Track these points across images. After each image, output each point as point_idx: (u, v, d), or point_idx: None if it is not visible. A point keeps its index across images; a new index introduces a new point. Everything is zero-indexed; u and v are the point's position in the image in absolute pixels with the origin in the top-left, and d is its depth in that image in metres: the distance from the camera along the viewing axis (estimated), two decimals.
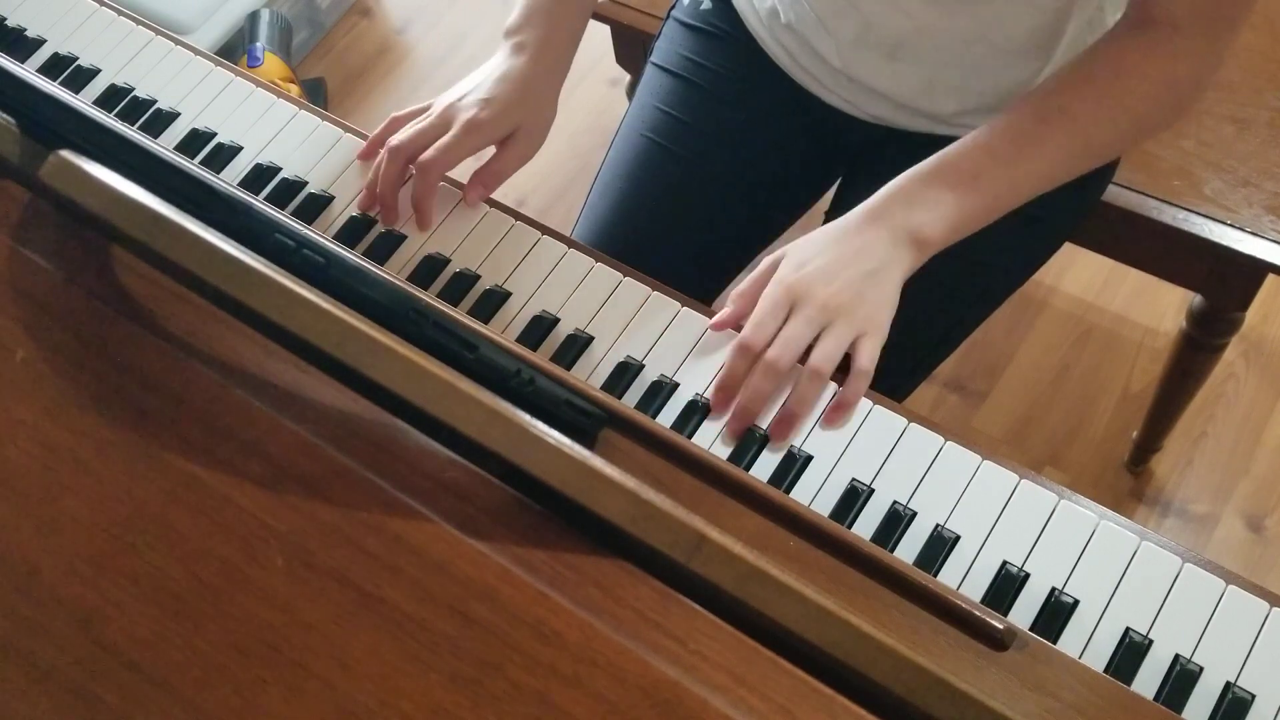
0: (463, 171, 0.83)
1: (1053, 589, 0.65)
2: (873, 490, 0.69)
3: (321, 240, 0.63)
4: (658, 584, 0.49)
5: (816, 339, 0.73)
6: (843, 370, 0.73)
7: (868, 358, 0.73)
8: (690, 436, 0.71)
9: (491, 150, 0.86)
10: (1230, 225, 1.04)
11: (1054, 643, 0.62)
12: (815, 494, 0.69)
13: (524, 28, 0.87)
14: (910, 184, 0.77)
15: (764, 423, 0.72)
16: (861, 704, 0.46)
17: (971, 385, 1.58)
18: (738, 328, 0.75)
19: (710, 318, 0.76)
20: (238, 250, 0.52)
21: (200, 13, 1.75)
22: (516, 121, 0.85)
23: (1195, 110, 1.10)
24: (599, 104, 1.90)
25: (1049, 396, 1.56)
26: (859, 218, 0.77)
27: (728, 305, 0.76)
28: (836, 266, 0.74)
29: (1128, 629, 0.63)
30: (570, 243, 0.81)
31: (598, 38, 1.22)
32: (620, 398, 0.73)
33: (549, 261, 0.80)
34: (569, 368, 0.75)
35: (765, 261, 0.77)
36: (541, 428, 0.50)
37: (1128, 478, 1.49)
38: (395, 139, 0.82)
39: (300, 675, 0.46)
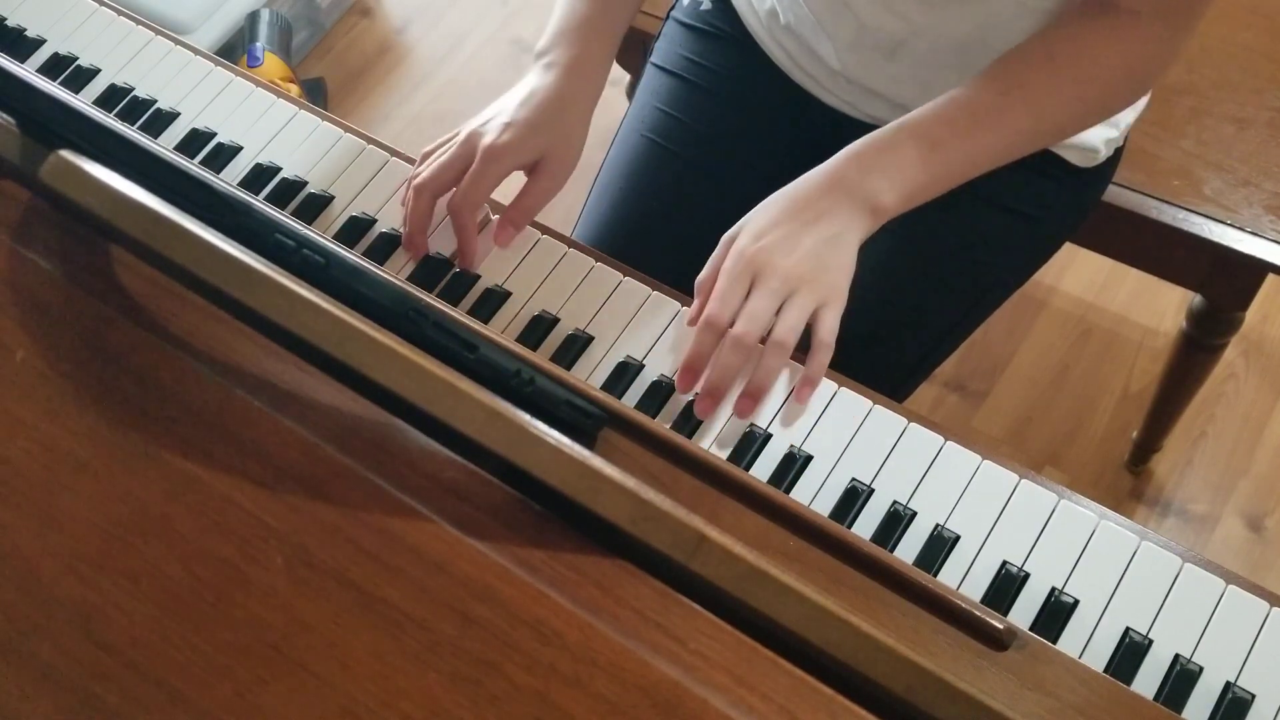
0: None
1: (1053, 589, 0.65)
2: (873, 490, 0.69)
3: (321, 240, 0.63)
4: (658, 584, 0.49)
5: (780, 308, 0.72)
6: (802, 348, 0.73)
7: (828, 329, 0.72)
8: (690, 436, 0.71)
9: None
10: (1230, 225, 1.04)
11: (1054, 643, 0.62)
12: (815, 494, 0.69)
13: (553, 48, 0.84)
14: (868, 150, 0.77)
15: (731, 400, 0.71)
16: (861, 704, 0.46)
17: (971, 385, 1.58)
18: None
19: None
20: (238, 250, 0.52)
21: (200, 13, 1.75)
22: (542, 146, 0.81)
23: (1195, 110, 1.10)
24: (599, 104, 1.90)
25: (1049, 396, 1.56)
26: (817, 183, 0.76)
27: (696, 297, 0.75)
28: (796, 235, 0.73)
29: (1128, 629, 0.63)
30: (570, 243, 0.81)
31: None
32: (620, 398, 0.73)
33: (549, 261, 0.80)
34: (569, 368, 0.75)
35: (723, 240, 0.76)
36: (541, 428, 0.50)
37: (1128, 478, 1.49)
38: (420, 177, 0.79)
39: (300, 675, 0.46)
